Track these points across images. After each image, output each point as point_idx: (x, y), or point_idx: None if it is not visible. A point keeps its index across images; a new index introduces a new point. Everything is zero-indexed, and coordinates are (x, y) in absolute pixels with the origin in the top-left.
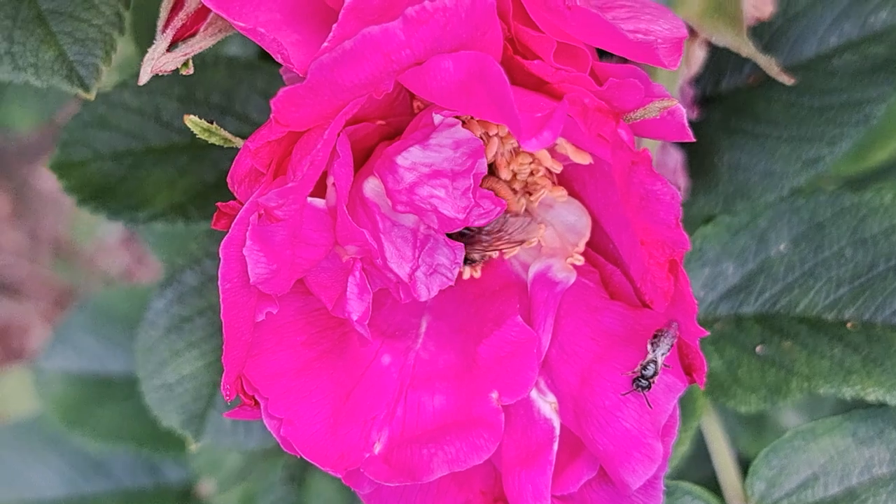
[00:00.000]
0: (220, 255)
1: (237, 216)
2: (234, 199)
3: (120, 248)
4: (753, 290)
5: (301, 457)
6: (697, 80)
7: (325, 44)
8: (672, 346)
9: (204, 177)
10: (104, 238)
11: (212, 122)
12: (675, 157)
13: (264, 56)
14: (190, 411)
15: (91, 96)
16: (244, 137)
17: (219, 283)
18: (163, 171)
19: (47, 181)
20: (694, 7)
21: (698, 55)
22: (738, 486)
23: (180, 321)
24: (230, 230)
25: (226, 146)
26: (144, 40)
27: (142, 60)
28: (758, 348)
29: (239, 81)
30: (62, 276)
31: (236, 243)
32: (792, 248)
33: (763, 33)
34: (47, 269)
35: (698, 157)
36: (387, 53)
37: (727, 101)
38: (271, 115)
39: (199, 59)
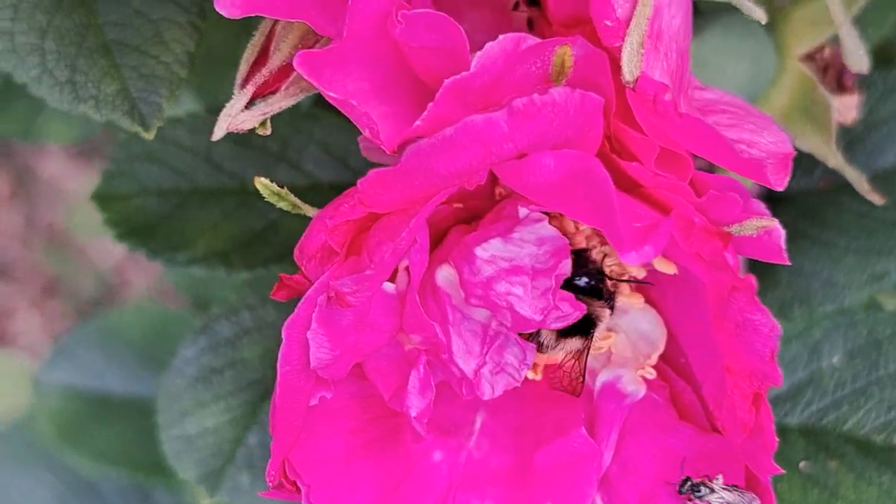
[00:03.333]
0: (283, 336)
1: (305, 295)
2: (295, 268)
3: (113, 243)
4: (800, 401)
5: None
6: None
7: (418, 122)
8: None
9: (250, 224)
10: (100, 232)
11: (282, 187)
12: None
13: (322, 104)
14: (208, 466)
15: (150, 136)
16: (296, 187)
17: (278, 364)
18: (208, 213)
19: (49, 166)
20: (778, 105)
21: None
22: None
23: (210, 372)
24: (296, 310)
25: (294, 212)
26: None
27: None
28: (801, 464)
29: (297, 130)
30: (53, 263)
31: (301, 324)
32: (845, 362)
33: (841, 138)
34: (39, 254)
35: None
36: (487, 144)
37: (795, 204)
38: (356, 195)
39: None
